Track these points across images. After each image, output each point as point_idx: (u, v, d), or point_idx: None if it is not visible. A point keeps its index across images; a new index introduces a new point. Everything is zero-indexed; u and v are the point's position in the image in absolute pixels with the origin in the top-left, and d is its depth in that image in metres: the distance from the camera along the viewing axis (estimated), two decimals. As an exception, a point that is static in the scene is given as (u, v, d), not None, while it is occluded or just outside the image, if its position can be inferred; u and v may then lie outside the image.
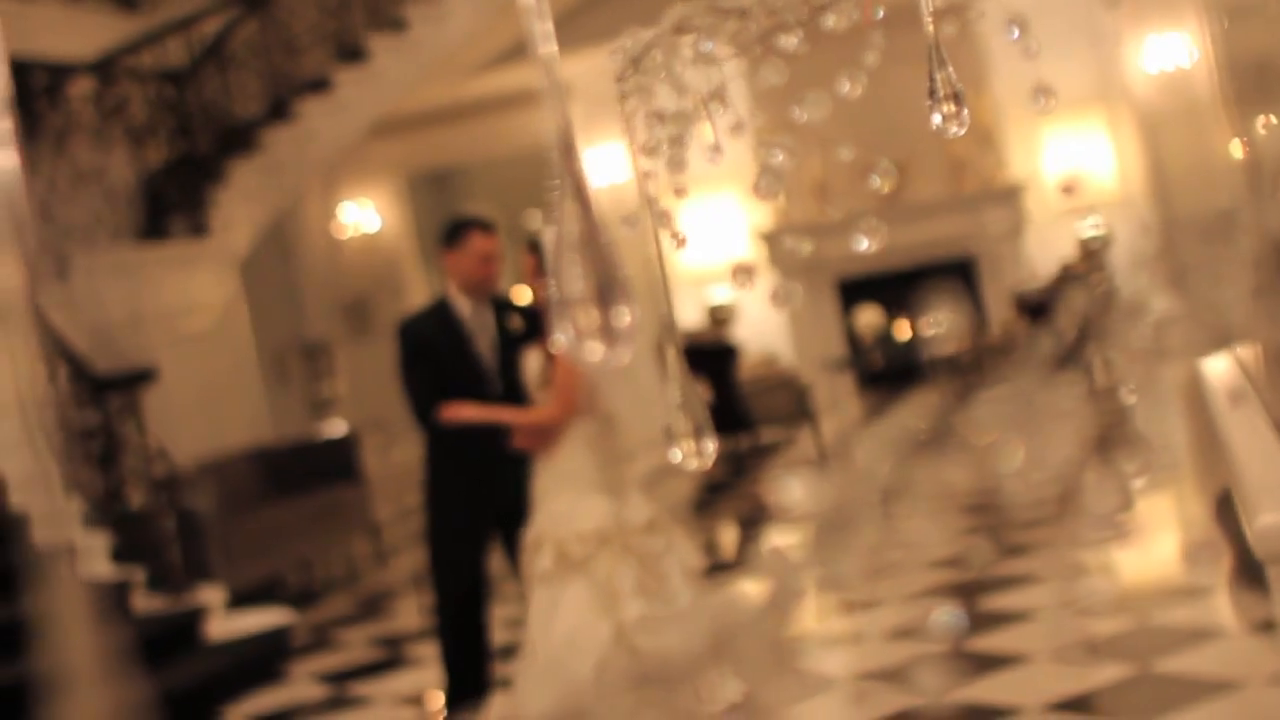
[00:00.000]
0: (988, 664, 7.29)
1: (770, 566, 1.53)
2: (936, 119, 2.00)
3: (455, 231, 7.34)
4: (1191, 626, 7.43)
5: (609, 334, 1.31)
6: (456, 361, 7.23)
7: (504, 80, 18.81)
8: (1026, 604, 8.33)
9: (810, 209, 19.15)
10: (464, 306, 7.31)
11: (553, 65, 1.41)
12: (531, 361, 7.18)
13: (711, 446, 1.84)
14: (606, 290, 1.30)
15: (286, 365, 18.52)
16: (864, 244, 2.18)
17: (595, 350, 1.33)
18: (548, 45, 1.38)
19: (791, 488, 1.53)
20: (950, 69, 2.05)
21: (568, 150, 1.39)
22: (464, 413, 7.07)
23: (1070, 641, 7.49)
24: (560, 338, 1.35)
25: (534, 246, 7.20)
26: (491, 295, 7.39)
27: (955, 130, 1.99)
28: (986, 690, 6.90)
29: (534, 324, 7.32)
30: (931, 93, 2.02)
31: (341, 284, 16.25)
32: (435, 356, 7.23)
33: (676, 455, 1.79)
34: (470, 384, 7.20)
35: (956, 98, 1.99)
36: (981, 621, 8.09)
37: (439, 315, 7.38)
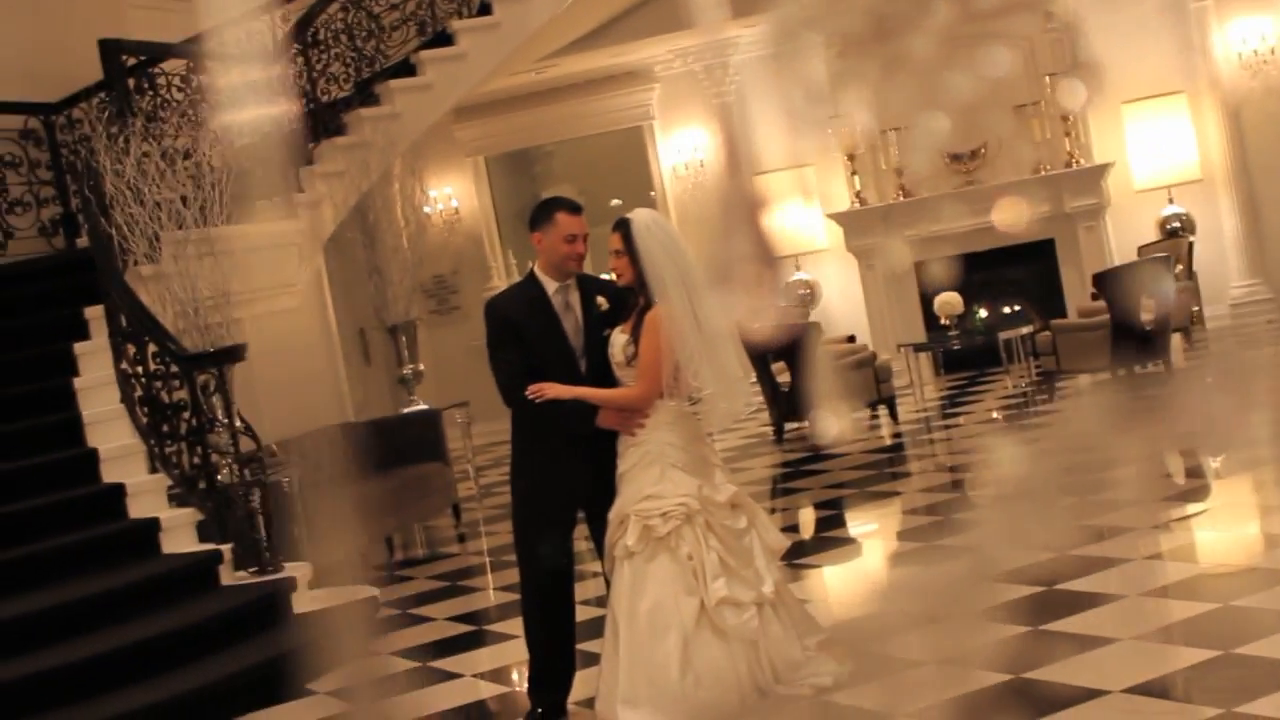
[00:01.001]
0: (1068, 646, 7.32)
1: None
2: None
3: (542, 212, 7.43)
4: (1274, 609, 7.45)
5: (767, 289, 1.40)
6: (543, 341, 7.31)
7: (585, 63, 18.89)
8: (1107, 587, 8.35)
9: (887, 191, 19.16)
10: (550, 286, 7.39)
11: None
12: (617, 341, 7.27)
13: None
14: (765, 252, 1.38)
15: (369, 344, 18.69)
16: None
17: (757, 304, 1.42)
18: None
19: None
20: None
21: (730, 129, 1.50)
22: (550, 390, 7.15)
23: (1151, 625, 7.52)
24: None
25: (618, 226, 7.28)
26: (578, 275, 7.46)
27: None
28: (1067, 672, 6.94)
29: (619, 304, 7.40)
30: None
31: (424, 264, 16.35)
32: (522, 336, 7.32)
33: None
34: (556, 363, 7.28)
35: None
36: (1063, 603, 8.12)
37: (526, 295, 7.46)
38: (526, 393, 7.17)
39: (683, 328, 7.11)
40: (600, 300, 7.42)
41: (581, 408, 7.20)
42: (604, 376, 7.33)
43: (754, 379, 14.47)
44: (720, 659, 7.06)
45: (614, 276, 7.42)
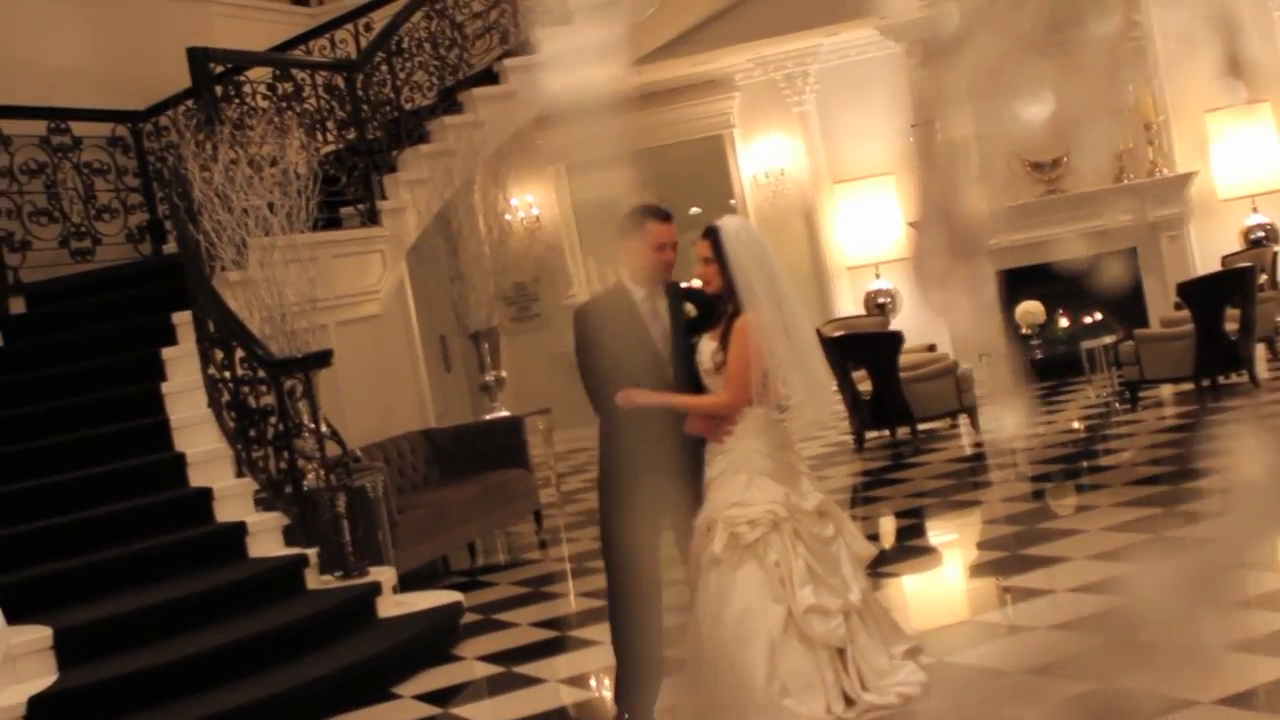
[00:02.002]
0: (1159, 655, 7.26)
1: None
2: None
3: (632, 220, 7.44)
4: None
5: (970, 287, 1.42)
6: (632, 348, 7.32)
7: (665, 71, 18.91)
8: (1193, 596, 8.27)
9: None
10: (639, 293, 7.41)
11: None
12: (705, 348, 7.28)
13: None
14: (967, 250, 1.40)
15: (449, 351, 18.77)
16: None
17: (956, 302, 1.45)
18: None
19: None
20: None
21: (922, 128, 1.53)
22: (639, 398, 7.17)
23: (1242, 635, 7.46)
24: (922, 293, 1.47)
25: (708, 234, 7.29)
26: (666, 282, 7.48)
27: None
28: (1158, 682, 6.88)
29: (707, 311, 7.41)
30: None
31: (505, 271, 16.42)
32: (611, 343, 7.33)
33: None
34: (645, 370, 7.29)
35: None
36: (1151, 613, 8.04)
37: (615, 302, 7.48)
38: (615, 399, 7.17)
39: (771, 335, 7.12)
40: (688, 307, 7.43)
41: (670, 414, 7.22)
42: (692, 383, 7.34)
43: (835, 387, 14.43)
44: (806, 666, 7.06)
45: (701, 284, 7.42)
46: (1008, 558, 10.10)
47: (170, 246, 13.16)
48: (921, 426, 16.15)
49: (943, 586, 10.21)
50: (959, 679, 7.52)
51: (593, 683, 8.83)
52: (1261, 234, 18.27)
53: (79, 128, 13.20)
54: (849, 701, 7.08)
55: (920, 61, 19.01)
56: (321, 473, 10.40)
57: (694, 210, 19.93)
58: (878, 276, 19.78)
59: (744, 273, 7.15)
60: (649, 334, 7.38)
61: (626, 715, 7.54)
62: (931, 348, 17.55)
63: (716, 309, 7.35)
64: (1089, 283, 18.63)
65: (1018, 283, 18.73)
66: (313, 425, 10.46)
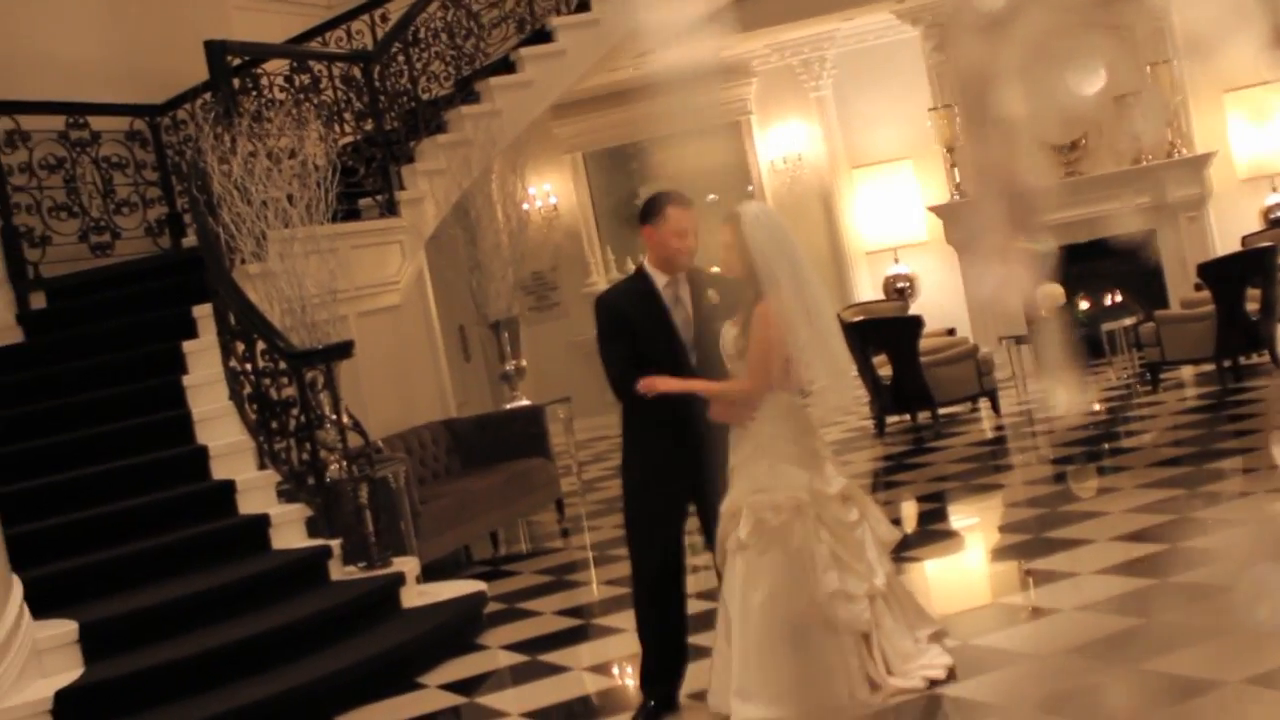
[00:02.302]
0: (1185, 635, 7.26)
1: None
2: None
3: (652, 206, 7.42)
4: None
5: (1030, 261, 1.41)
6: (653, 334, 7.31)
7: (682, 58, 18.83)
8: (1220, 578, 8.27)
9: (987, 183, 19.00)
10: (660, 280, 7.40)
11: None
12: (728, 334, 7.27)
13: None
14: (1027, 223, 1.40)
15: (468, 341, 18.78)
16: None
17: (1016, 275, 1.44)
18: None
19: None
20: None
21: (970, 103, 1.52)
22: (661, 384, 7.15)
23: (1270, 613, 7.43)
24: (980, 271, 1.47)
25: (729, 219, 7.28)
26: (688, 269, 7.47)
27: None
28: (1184, 662, 6.88)
29: (729, 297, 7.40)
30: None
31: (523, 260, 16.42)
32: (633, 329, 7.32)
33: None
34: (667, 357, 7.28)
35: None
36: (1176, 594, 8.06)
37: (636, 289, 7.47)
38: (637, 386, 7.17)
39: (794, 320, 7.10)
40: (711, 293, 7.42)
41: (692, 400, 7.22)
42: (715, 370, 7.33)
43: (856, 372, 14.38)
44: (832, 652, 7.06)
45: (723, 270, 7.41)
46: (1031, 540, 10.08)
47: (189, 240, 13.19)
48: (942, 411, 16.12)
49: (966, 570, 10.19)
50: (986, 662, 7.53)
51: (617, 670, 8.83)
52: (1281, 214, 18.21)
53: (97, 122, 13.22)
54: (875, 686, 7.08)
55: (936, 46, 19.01)
56: (344, 464, 10.41)
57: (711, 197, 19.90)
58: (896, 261, 19.76)
59: (765, 258, 7.14)
60: (671, 321, 7.37)
61: (652, 703, 7.53)
62: (951, 332, 17.53)
63: (739, 295, 7.34)
64: (1108, 264, 18.67)
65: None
66: (334, 416, 10.46)
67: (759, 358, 7.14)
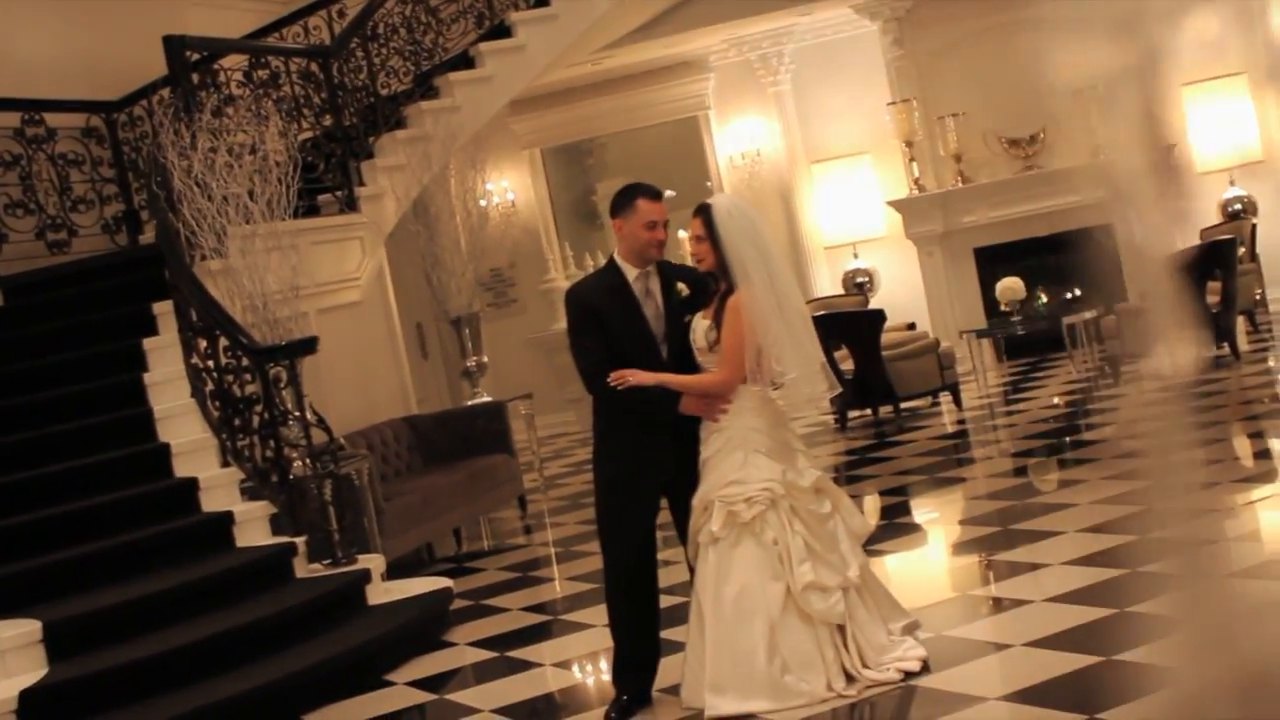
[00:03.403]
0: (1156, 626, 7.25)
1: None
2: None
3: (623, 198, 7.39)
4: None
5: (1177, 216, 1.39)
6: (624, 327, 7.28)
7: (640, 53, 18.86)
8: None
9: (946, 177, 19.08)
10: (631, 273, 7.35)
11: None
12: (699, 327, 7.25)
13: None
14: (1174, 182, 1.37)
15: (430, 337, 18.72)
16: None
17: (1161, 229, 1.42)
18: None
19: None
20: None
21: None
22: (632, 377, 7.12)
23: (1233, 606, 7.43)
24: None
25: (700, 211, 7.26)
26: (658, 261, 7.43)
27: None
28: (1156, 653, 6.87)
29: (700, 289, 7.37)
30: None
31: (482, 256, 16.35)
32: (603, 323, 7.28)
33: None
34: (638, 350, 7.25)
35: None
36: (1146, 584, 8.06)
37: (607, 282, 7.42)
38: (609, 380, 7.13)
39: (765, 312, 7.09)
40: (681, 286, 7.39)
41: (664, 394, 7.18)
42: (686, 362, 7.30)
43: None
44: (807, 643, 7.05)
45: (695, 262, 7.38)
46: (999, 532, 10.09)
47: (147, 237, 13.09)
48: (904, 404, 16.15)
49: (935, 563, 10.18)
50: (962, 653, 7.51)
51: (588, 666, 8.79)
52: (1239, 207, 18.28)
53: (53, 119, 13.11)
54: (850, 678, 7.06)
55: (894, 41, 19.03)
56: (308, 461, 10.34)
57: (669, 193, 19.87)
58: (855, 256, 19.77)
59: (736, 250, 7.13)
60: (641, 313, 7.33)
61: (625, 697, 7.49)
62: (911, 326, 17.54)
63: (709, 287, 7.32)
64: (1068, 258, 18.72)
65: (996, 259, 18.79)
66: (298, 413, 10.39)
67: (731, 350, 7.12)
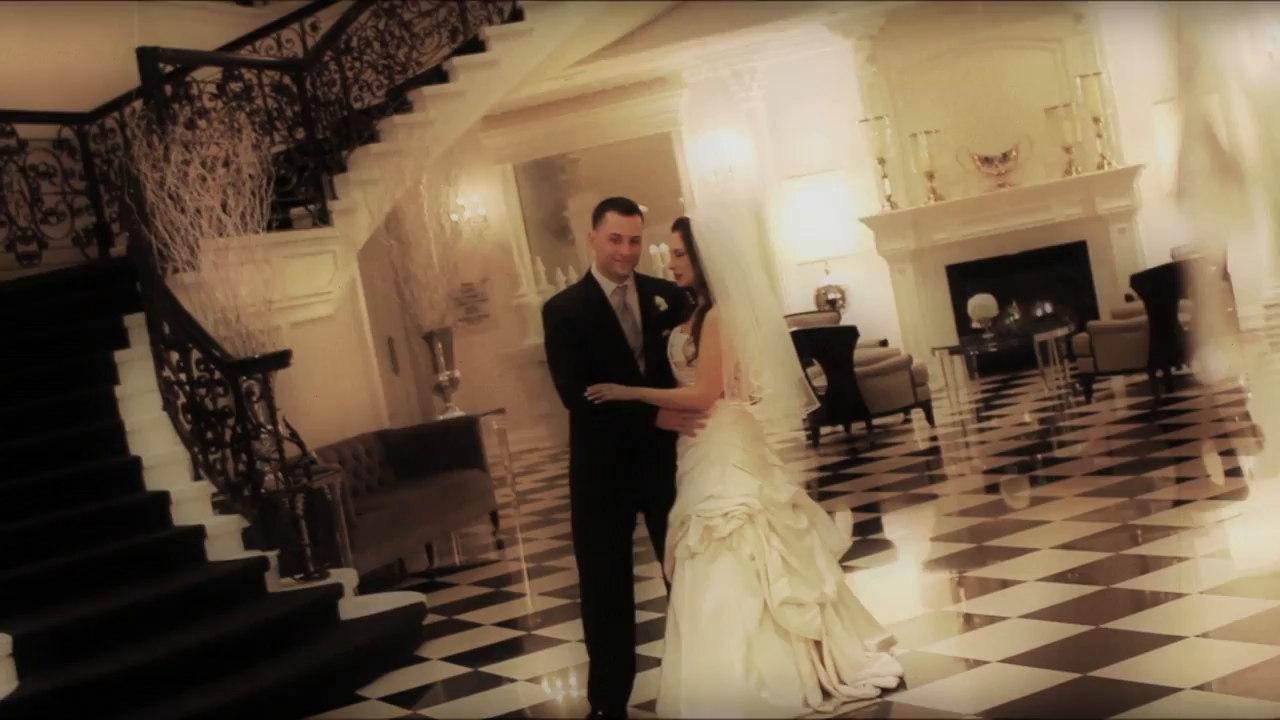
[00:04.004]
0: (1137, 644, 7.26)
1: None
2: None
3: (597, 210, 7.38)
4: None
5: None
6: (601, 341, 7.25)
7: (612, 69, 18.84)
8: (1160, 586, 8.30)
9: (918, 194, 19.11)
10: (609, 287, 7.33)
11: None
12: (677, 341, 7.23)
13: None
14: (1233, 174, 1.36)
15: (401, 351, 18.66)
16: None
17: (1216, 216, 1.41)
18: None
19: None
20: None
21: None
22: (609, 391, 7.10)
23: (1214, 623, 7.46)
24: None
25: (679, 226, 7.25)
26: (634, 275, 7.41)
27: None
28: (1136, 670, 6.87)
29: (678, 304, 7.36)
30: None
31: (454, 271, 16.30)
32: (581, 336, 7.26)
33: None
34: (615, 364, 7.22)
35: None
36: (1121, 601, 8.08)
37: (584, 295, 7.39)
38: (586, 393, 7.10)
39: (743, 327, 7.09)
40: (659, 300, 7.37)
41: (641, 408, 7.17)
42: (663, 377, 7.28)
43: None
44: (783, 659, 7.03)
45: (674, 276, 7.37)
46: (974, 549, 10.09)
47: (118, 249, 13.03)
48: (876, 421, 16.16)
49: (908, 580, 10.17)
50: (940, 669, 7.50)
51: (561, 681, 8.76)
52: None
53: (24, 130, 13.06)
54: (826, 694, 7.04)
55: (869, 58, 19.06)
56: (280, 475, 10.29)
57: (641, 209, 19.84)
58: (827, 273, 19.77)
59: (715, 265, 7.12)
60: (619, 327, 7.31)
61: (600, 713, 7.46)
62: (883, 343, 17.57)
63: (687, 302, 7.31)
64: (1040, 276, 18.77)
65: (968, 276, 18.83)
66: (270, 427, 10.34)
67: (709, 365, 7.11)
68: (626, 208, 7.38)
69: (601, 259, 7.36)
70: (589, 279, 7.43)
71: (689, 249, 7.18)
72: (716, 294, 7.11)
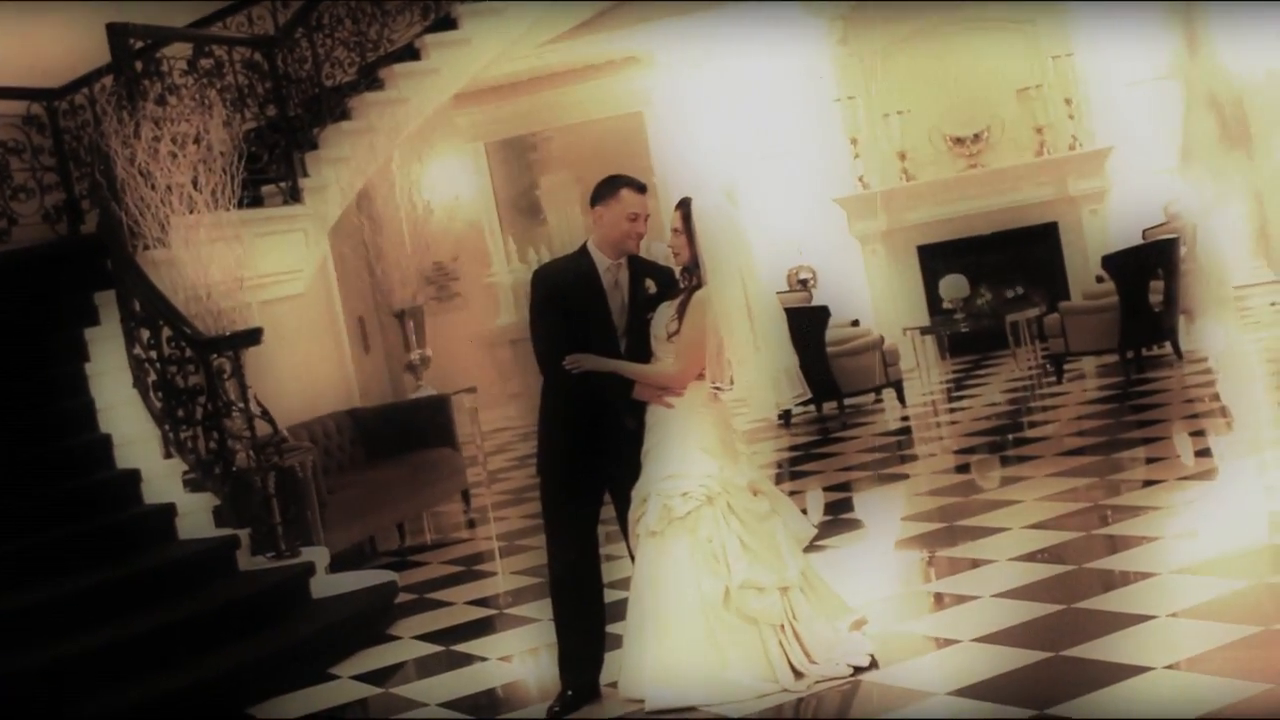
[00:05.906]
0: (1108, 623, 7.28)
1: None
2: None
3: (607, 187, 7.36)
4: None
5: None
6: (586, 314, 7.25)
7: (584, 48, 18.79)
8: (1130, 565, 8.32)
9: (889, 175, 19.12)
10: (603, 263, 7.33)
11: None
12: (663, 313, 7.23)
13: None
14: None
15: (373, 330, 18.62)
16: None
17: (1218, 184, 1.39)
18: None
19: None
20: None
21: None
22: (587, 361, 7.11)
23: (1186, 602, 7.48)
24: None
25: (681, 205, 7.26)
26: (631, 256, 7.41)
27: None
28: (1107, 649, 6.89)
29: (668, 286, 7.38)
30: None
31: (426, 249, 16.26)
32: (566, 307, 7.25)
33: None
34: (598, 338, 7.22)
35: None
36: (1091, 580, 8.11)
37: (576, 267, 7.38)
38: (564, 362, 7.10)
39: (731, 312, 7.11)
40: (649, 283, 7.38)
41: (616, 379, 7.17)
42: (641, 358, 7.28)
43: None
44: (749, 640, 7.04)
45: (672, 254, 7.37)
46: (946, 529, 10.11)
47: (88, 226, 12.94)
48: (847, 401, 16.17)
49: (879, 559, 10.17)
50: (912, 649, 7.52)
51: (533, 660, 8.75)
52: (1183, 207, 18.36)
53: (-8, 106, 12.97)
54: (797, 674, 7.05)
55: (840, 40, 19.06)
56: (251, 453, 10.26)
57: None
58: (800, 253, 19.75)
59: (712, 247, 7.14)
60: (606, 303, 7.31)
61: (570, 691, 7.45)
62: (855, 323, 17.57)
63: (678, 288, 7.32)
64: (1011, 257, 18.81)
65: (940, 257, 18.85)
66: (241, 404, 10.30)
67: (690, 345, 7.13)
68: (640, 186, 7.44)
69: (614, 235, 7.35)
70: (584, 252, 7.42)
71: (687, 229, 7.19)
72: (710, 276, 7.13)
